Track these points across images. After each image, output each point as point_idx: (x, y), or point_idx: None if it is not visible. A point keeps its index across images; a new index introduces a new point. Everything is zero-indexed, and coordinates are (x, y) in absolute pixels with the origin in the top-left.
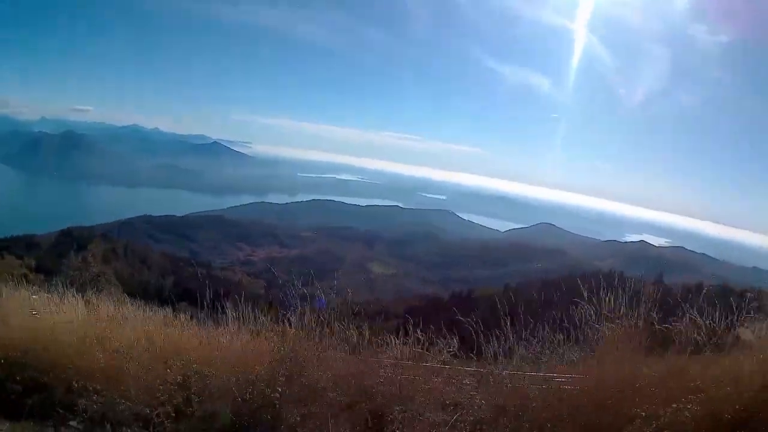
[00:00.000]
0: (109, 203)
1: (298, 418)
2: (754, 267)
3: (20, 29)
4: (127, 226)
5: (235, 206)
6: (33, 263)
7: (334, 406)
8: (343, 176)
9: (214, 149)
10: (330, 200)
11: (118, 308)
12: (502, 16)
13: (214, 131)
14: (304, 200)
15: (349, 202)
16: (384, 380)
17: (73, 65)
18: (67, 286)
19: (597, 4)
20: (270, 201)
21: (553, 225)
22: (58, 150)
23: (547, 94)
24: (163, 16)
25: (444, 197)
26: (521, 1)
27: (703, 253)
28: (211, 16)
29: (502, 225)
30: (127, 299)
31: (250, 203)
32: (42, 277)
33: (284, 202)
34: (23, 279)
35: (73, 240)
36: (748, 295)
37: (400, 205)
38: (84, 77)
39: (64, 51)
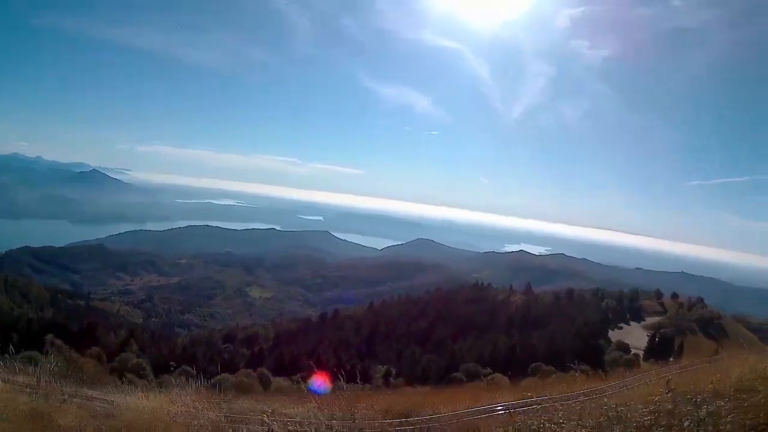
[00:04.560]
0: None
1: None
2: (637, 268)
3: None
4: (7, 258)
5: (114, 235)
6: None
7: None
8: (222, 201)
9: (93, 177)
10: (207, 225)
11: None
12: (383, 37)
13: (94, 159)
14: (182, 226)
15: (226, 227)
16: None
17: None
18: None
19: (478, 25)
20: (148, 228)
21: (431, 240)
22: None
23: (427, 112)
24: (42, 39)
25: (321, 218)
26: (403, 22)
27: (584, 258)
28: (91, 39)
29: (378, 243)
30: None
31: (129, 231)
32: None
33: (162, 230)
34: None
35: None
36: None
37: (278, 228)
38: None
39: None
